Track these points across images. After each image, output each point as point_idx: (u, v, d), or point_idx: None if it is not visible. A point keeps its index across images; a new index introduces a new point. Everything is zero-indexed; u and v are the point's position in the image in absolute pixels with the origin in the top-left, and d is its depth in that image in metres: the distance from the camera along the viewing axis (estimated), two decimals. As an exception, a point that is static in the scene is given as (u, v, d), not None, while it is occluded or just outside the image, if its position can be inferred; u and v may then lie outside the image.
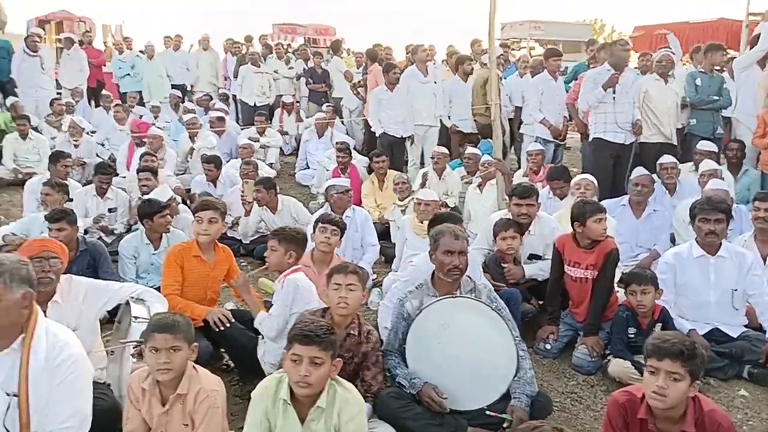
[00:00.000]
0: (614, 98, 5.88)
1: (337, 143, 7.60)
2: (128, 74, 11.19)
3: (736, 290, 3.84)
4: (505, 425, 2.84)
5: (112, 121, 9.09)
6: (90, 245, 4.32)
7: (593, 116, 6.12)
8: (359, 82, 9.78)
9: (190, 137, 8.21)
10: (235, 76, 10.92)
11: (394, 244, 5.29)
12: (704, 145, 6.04)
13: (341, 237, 4.15)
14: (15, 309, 2.27)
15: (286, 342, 2.39)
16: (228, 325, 3.39)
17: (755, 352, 3.68)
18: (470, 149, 7.00)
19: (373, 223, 5.50)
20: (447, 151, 7.11)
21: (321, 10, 44.50)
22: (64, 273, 3.09)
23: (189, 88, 11.67)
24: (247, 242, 5.81)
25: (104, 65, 12.03)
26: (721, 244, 3.87)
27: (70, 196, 5.50)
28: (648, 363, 2.33)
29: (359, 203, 6.26)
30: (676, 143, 6.46)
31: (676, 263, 3.94)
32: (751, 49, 6.85)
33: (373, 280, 4.91)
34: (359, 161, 7.59)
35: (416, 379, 2.92)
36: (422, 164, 7.63)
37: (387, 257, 5.48)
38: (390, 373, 3.05)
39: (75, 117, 8.56)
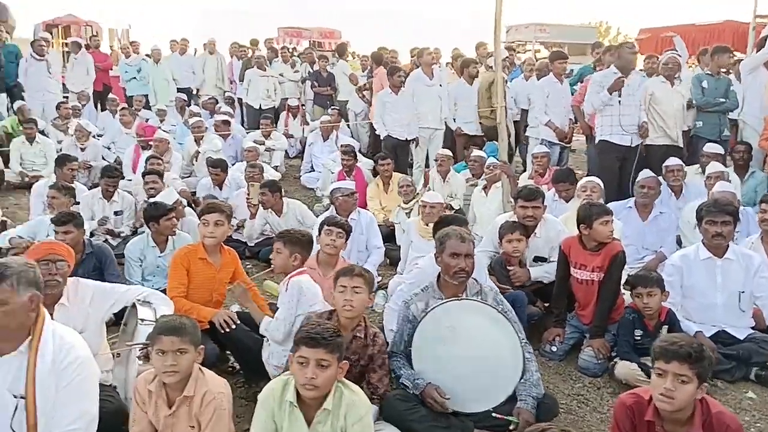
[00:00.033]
0: (620, 101, 5.87)
1: (342, 146, 7.61)
2: (134, 78, 11.23)
3: (743, 292, 3.82)
4: (511, 427, 2.84)
5: (118, 125, 9.13)
6: (96, 248, 4.34)
7: (599, 119, 6.11)
8: (365, 85, 9.79)
9: (195, 140, 8.24)
10: (241, 80, 10.97)
11: (399, 247, 5.29)
12: (711, 148, 6.02)
13: (347, 239, 4.15)
14: (22, 312, 2.28)
15: (293, 344, 2.39)
16: (234, 326, 3.39)
17: (762, 354, 3.66)
18: (476, 152, 6.99)
19: (378, 225, 5.50)
20: (451, 154, 7.12)
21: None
22: (70, 276, 3.10)
23: (195, 92, 11.72)
24: (252, 245, 5.83)
25: (111, 69, 12.08)
26: (728, 246, 3.86)
27: (77, 200, 5.53)
28: (656, 365, 2.32)
29: (364, 206, 6.27)
30: (682, 145, 6.44)
31: (682, 265, 3.93)
32: (758, 51, 6.82)
33: (378, 282, 4.91)
34: (364, 164, 7.60)
35: (419, 379, 2.92)
36: (427, 167, 7.63)
37: (392, 260, 5.48)
38: (394, 374, 3.05)
39: (81, 120, 8.60)
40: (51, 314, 2.52)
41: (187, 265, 3.61)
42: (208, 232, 3.68)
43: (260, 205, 5.71)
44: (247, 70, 10.73)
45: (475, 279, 3.21)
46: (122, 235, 5.76)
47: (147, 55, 11.32)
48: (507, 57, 9.20)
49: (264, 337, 3.35)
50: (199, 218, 3.81)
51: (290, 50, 12.82)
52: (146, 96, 10.98)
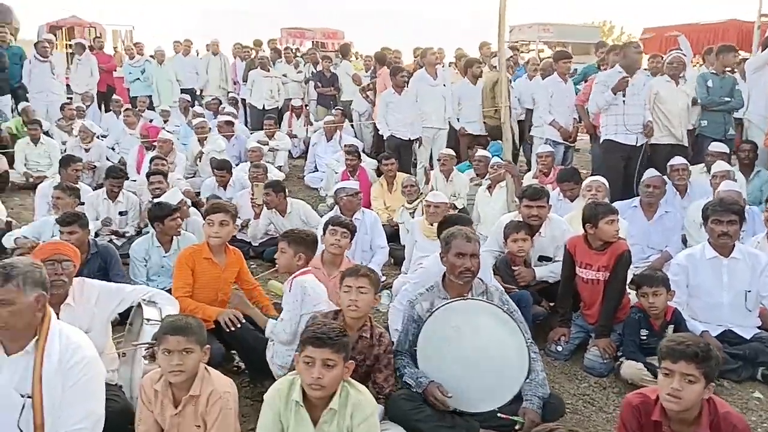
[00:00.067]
0: (624, 100, 5.86)
1: (345, 146, 7.61)
2: (138, 79, 11.26)
3: (749, 292, 3.81)
4: (516, 427, 2.83)
5: (122, 126, 9.15)
6: (101, 248, 4.35)
7: (604, 118, 6.10)
8: (368, 85, 9.80)
9: (199, 141, 8.26)
10: (244, 81, 10.98)
11: (404, 247, 5.28)
12: (716, 147, 6.00)
13: (351, 239, 4.15)
14: (29, 312, 2.29)
15: (299, 344, 2.39)
16: (239, 325, 3.39)
17: (769, 353, 3.64)
18: (480, 152, 6.99)
19: (382, 225, 5.50)
20: (453, 153, 7.12)
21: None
22: (76, 276, 3.10)
23: (198, 93, 11.74)
24: (257, 245, 5.83)
25: (114, 70, 12.13)
26: (734, 245, 3.85)
27: (81, 200, 5.54)
28: (662, 365, 2.31)
29: (368, 206, 6.26)
30: (687, 145, 6.43)
31: (688, 265, 3.92)
32: (763, 50, 6.80)
33: (382, 282, 4.91)
34: (368, 164, 7.60)
35: (422, 378, 2.91)
36: (431, 167, 7.63)
37: (396, 259, 5.48)
38: (398, 372, 3.04)
39: (86, 121, 8.62)
40: (57, 314, 2.52)
41: (192, 265, 3.62)
42: (213, 232, 3.69)
43: (264, 205, 5.71)
44: (250, 70, 10.75)
45: (480, 279, 3.20)
46: (127, 235, 5.77)
47: (151, 56, 11.34)
48: (511, 57, 9.19)
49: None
50: (204, 218, 3.81)
51: (293, 51, 12.82)
52: (150, 97, 11.00)
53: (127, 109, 9.51)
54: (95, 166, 7.76)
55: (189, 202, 5.70)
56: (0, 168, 7.50)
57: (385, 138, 7.62)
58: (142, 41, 12.81)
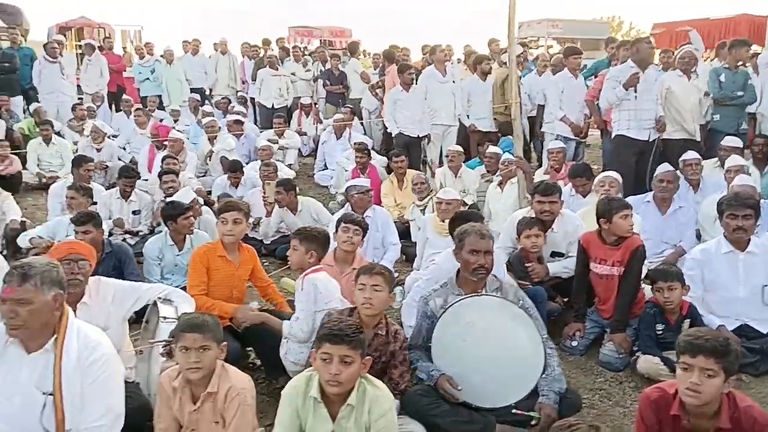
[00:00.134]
0: (636, 96, 5.83)
1: (355, 144, 7.62)
2: (148, 79, 11.32)
3: (766, 286, 3.79)
4: (533, 422, 2.83)
5: (132, 125, 9.20)
6: (115, 247, 4.39)
7: (616, 113, 6.06)
8: (377, 83, 9.79)
9: (209, 140, 8.29)
10: (253, 80, 11.00)
11: (415, 244, 5.29)
12: (730, 141, 5.95)
13: (364, 237, 4.15)
14: (47, 310, 2.32)
15: (316, 341, 2.40)
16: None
17: (787, 347, 3.62)
18: (491, 148, 6.97)
19: (393, 222, 5.50)
20: (462, 150, 7.11)
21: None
22: (91, 275, 3.13)
23: (208, 92, 11.77)
24: (268, 242, 5.85)
25: (124, 70, 12.18)
26: (749, 239, 3.82)
27: (94, 200, 5.58)
28: (681, 359, 2.30)
29: (379, 203, 6.27)
30: (699, 139, 6.38)
31: (703, 259, 3.90)
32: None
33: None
34: (378, 161, 7.60)
35: (434, 371, 2.92)
36: (441, 164, 7.62)
37: (408, 256, 5.48)
38: (411, 366, 3.05)
39: (97, 122, 8.67)
40: (74, 313, 2.54)
41: (207, 263, 3.63)
42: (227, 230, 3.70)
43: (276, 203, 5.73)
44: (259, 69, 10.76)
45: (494, 275, 3.20)
46: (140, 234, 5.81)
47: (161, 56, 11.38)
48: (521, 53, 9.15)
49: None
50: (218, 217, 3.83)
51: (302, 49, 12.83)
52: (160, 96, 11.05)
53: (137, 109, 9.56)
54: (107, 166, 7.81)
55: (201, 200, 5.72)
56: (14, 168, 7.57)
57: (393, 135, 7.62)
58: (152, 41, 12.86)
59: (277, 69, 10.57)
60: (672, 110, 6.23)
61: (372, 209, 5.24)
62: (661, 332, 3.59)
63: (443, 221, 4.74)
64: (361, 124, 9.69)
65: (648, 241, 4.56)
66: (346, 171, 7.27)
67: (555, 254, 4.28)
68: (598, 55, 10.87)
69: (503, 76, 7.51)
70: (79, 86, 11.09)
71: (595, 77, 7.60)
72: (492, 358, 2.92)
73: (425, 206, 5.86)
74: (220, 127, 8.63)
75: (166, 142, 7.71)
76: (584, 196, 5.29)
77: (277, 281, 4.62)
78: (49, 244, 4.62)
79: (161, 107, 10.80)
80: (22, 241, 5.08)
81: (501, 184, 6.02)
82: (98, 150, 7.93)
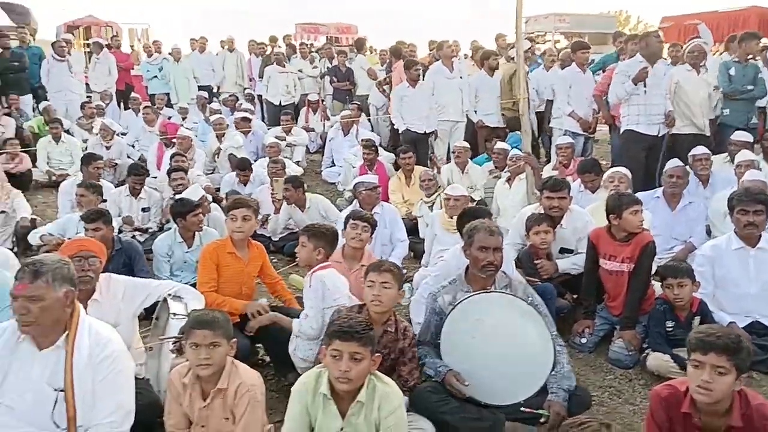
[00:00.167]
0: (646, 90, 5.79)
1: (363, 140, 7.61)
2: (156, 76, 11.35)
3: (777, 282, 3.75)
4: (542, 420, 2.82)
5: (141, 123, 9.24)
6: (125, 244, 4.41)
7: (625, 108, 6.03)
8: (385, 79, 9.78)
9: (217, 137, 8.31)
10: (260, 77, 11.01)
11: (423, 240, 5.28)
12: (740, 136, 5.91)
13: (372, 233, 4.15)
14: (58, 307, 2.34)
15: (325, 338, 2.40)
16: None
17: (798, 344, 3.59)
18: (499, 144, 6.95)
19: (401, 218, 5.49)
20: (468, 146, 7.09)
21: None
22: (101, 272, 3.14)
23: (215, 90, 11.80)
24: (277, 239, 5.86)
25: (132, 68, 12.23)
26: (760, 235, 3.79)
27: (104, 197, 5.60)
28: (692, 357, 2.28)
29: (386, 199, 6.26)
30: (709, 134, 6.34)
31: (714, 255, 3.87)
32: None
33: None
34: (385, 158, 7.60)
35: (441, 367, 2.92)
36: (448, 160, 7.60)
37: (416, 253, 5.48)
38: (420, 361, 3.05)
39: (106, 119, 8.72)
40: (85, 310, 2.55)
41: (217, 260, 3.64)
42: (236, 227, 3.71)
43: (284, 200, 5.74)
44: (266, 66, 10.77)
45: (504, 272, 3.19)
46: (150, 231, 5.84)
47: (169, 54, 11.42)
48: (529, 48, 9.10)
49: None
50: (227, 213, 3.83)
51: (308, 46, 12.83)
52: (168, 94, 11.09)
53: (146, 107, 9.61)
54: (116, 164, 7.84)
55: (210, 198, 5.74)
56: (24, 167, 7.63)
57: (400, 132, 7.61)
58: (159, 39, 12.89)
59: (284, 66, 10.57)
60: (681, 105, 6.19)
61: (380, 206, 5.25)
62: (671, 329, 3.57)
63: (451, 218, 4.73)
64: (369, 120, 9.68)
65: (657, 237, 4.54)
66: (354, 168, 7.27)
67: (564, 250, 4.26)
68: (606, 50, 10.80)
69: (511, 72, 7.48)
70: (87, 84, 11.15)
71: (603, 72, 7.55)
72: (501, 355, 2.91)
73: (433, 203, 5.85)
74: (228, 125, 8.66)
75: (174, 140, 7.74)
76: (593, 192, 5.26)
77: (286, 278, 4.62)
78: (59, 241, 4.66)
79: (169, 105, 10.84)
80: (33, 238, 5.12)
81: (509, 180, 6.00)
82: (107, 148, 7.97)
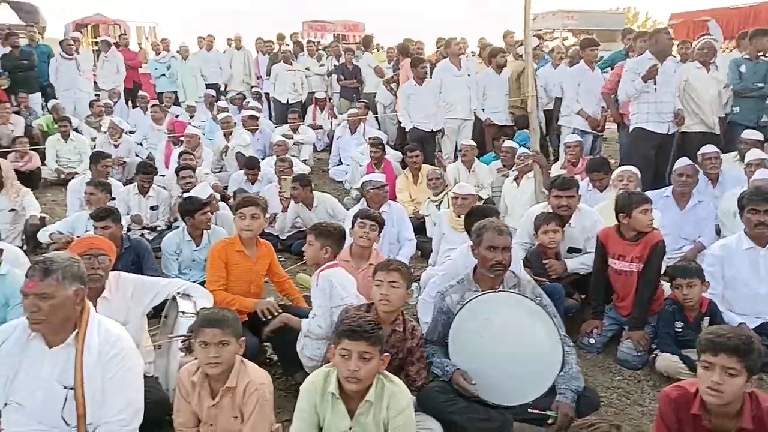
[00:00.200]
0: (656, 88, 5.75)
1: (370, 138, 7.60)
2: (164, 75, 11.38)
3: (788, 283, 3.72)
4: (549, 421, 2.81)
5: (149, 121, 9.27)
6: (134, 242, 4.42)
7: (635, 106, 5.99)
8: (392, 77, 9.77)
9: (224, 135, 8.33)
10: (268, 75, 11.02)
11: (430, 239, 5.27)
12: (749, 134, 5.86)
13: (380, 232, 4.14)
14: (68, 305, 2.35)
15: (334, 337, 2.40)
16: (277, 314, 3.43)
17: (809, 346, 3.56)
18: (507, 142, 6.93)
19: (408, 217, 5.49)
20: (474, 144, 7.08)
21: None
22: (111, 270, 3.16)
23: (222, 88, 11.82)
24: (284, 238, 5.87)
25: (140, 67, 12.26)
26: (771, 235, 3.76)
27: (113, 195, 5.63)
28: (702, 358, 2.26)
29: (394, 198, 6.25)
30: (718, 133, 6.29)
31: (724, 255, 3.85)
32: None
33: (410, 275, 4.89)
34: (392, 156, 7.59)
35: (449, 366, 2.91)
36: (456, 158, 7.59)
37: (423, 252, 5.47)
38: (427, 359, 3.04)
39: (114, 118, 8.76)
40: (94, 308, 2.56)
41: (225, 258, 3.65)
42: (245, 225, 3.72)
43: (292, 198, 5.74)
44: (273, 65, 10.78)
45: (512, 272, 3.18)
46: (158, 229, 5.86)
47: (177, 52, 11.45)
48: (537, 46, 9.07)
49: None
50: (235, 212, 3.84)
51: (315, 44, 12.83)
52: (175, 92, 11.12)
53: (154, 105, 9.63)
54: (125, 162, 7.87)
55: (218, 196, 5.76)
56: (33, 165, 7.66)
57: (407, 130, 7.60)
58: (168, 37, 12.93)
59: (291, 64, 10.58)
60: (691, 103, 6.15)
61: (387, 204, 5.23)
62: (680, 330, 3.56)
63: (459, 216, 4.72)
64: (376, 118, 9.67)
65: (667, 236, 4.50)
66: (361, 166, 7.27)
67: (572, 250, 4.24)
68: (614, 47, 10.74)
69: (519, 69, 7.45)
70: (95, 83, 11.19)
71: (612, 69, 7.51)
72: (509, 355, 2.91)
73: (440, 201, 5.84)
74: (235, 123, 8.67)
75: (182, 138, 7.76)
76: (601, 191, 5.24)
77: (293, 277, 4.63)
78: (69, 239, 4.68)
79: (177, 103, 10.86)
80: (42, 236, 5.14)
81: (517, 178, 5.98)
82: (116, 146, 8.00)
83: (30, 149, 7.71)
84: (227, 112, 9.20)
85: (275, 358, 3.63)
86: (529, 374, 2.90)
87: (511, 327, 2.94)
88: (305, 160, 8.66)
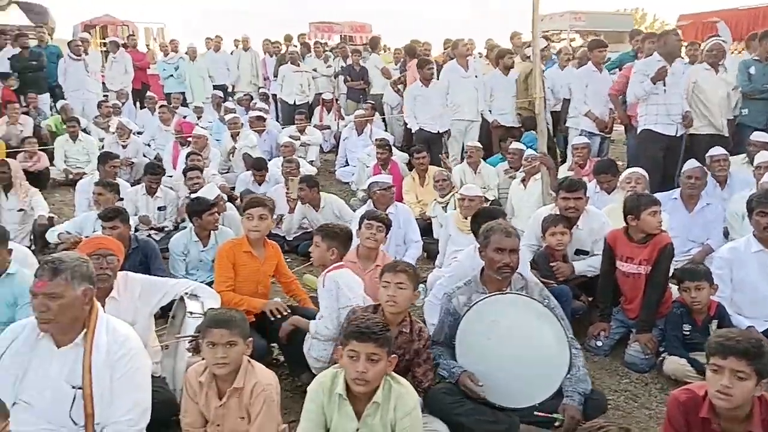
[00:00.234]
0: (665, 90, 5.73)
1: (377, 140, 7.61)
2: (172, 75, 11.44)
3: (797, 286, 3.70)
4: (556, 424, 2.80)
5: (157, 122, 9.32)
6: (142, 243, 4.44)
7: (643, 107, 5.97)
8: (399, 78, 9.77)
9: (232, 136, 8.35)
10: (275, 76, 11.05)
11: (437, 241, 5.27)
12: (758, 136, 5.82)
13: (387, 234, 4.15)
14: (77, 305, 2.36)
15: (342, 338, 2.40)
16: (285, 314, 3.44)
17: (819, 349, 3.53)
18: (514, 144, 6.92)
19: (415, 219, 5.48)
20: (480, 146, 7.07)
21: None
22: (119, 270, 3.17)
23: (230, 89, 11.87)
24: (291, 239, 5.88)
25: (148, 68, 12.32)
26: (780, 238, 3.74)
27: (121, 196, 5.65)
28: (711, 361, 2.25)
29: (400, 199, 6.25)
30: (727, 135, 6.26)
31: (732, 258, 3.82)
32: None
33: (416, 276, 4.89)
34: (399, 157, 7.59)
35: (455, 368, 2.91)
36: (463, 160, 7.58)
37: (430, 253, 5.46)
38: (434, 361, 3.04)
39: (122, 118, 8.81)
40: (102, 308, 2.58)
41: (233, 259, 3.66)
42: (253, 226, 3.72)
43: (299, 199, 5.75)
44: (280, 66, 10.81)
45: (520, 274, 3.17)
46: (165, 230, 5.88)
47: (185, 53, 11.50)
48: (545, 47, 9.04)
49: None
50: (243, 212, 3.85)
51: (322, 45, 12.86)
52: (183, 93, 11.16)
53: (162, 106, 9.68)
54: (133, 163, 7.91)
55: (225, 197, 5.77)
56: (41, 165, 7.71)
57: (413, 132, 7.59)
58: (176, 38, 12.98)
59: (298, 65, 10.61)
60: (699, 105, 6.12)
61: (394, 206, 5.23)
62: (688, 333, 3.54)
63: (465, 218, 4.72)
64: (383, 120, 9.67)
65: (675, 239, 4.47)
66: (368, 167, 7.26)
67: (579, 252, 4.23)
68: (622, 48, 10.70)
69: (527, 71, 7.44)
70: (104, 83, 11.25)
71: (620, 70, 7.48)
72: (516, 357, 2.90)
73: (447, 203, 5.83)
74: (242, 124, 8.70)
75: (189, 139, 7.79)
76: (609, 193, 5.21)
77: (300, 278, 4.63)
78: (77, 239, 4.70)
79: (185, 104, 10.91)
80: (51, 236, 5.16)
81: (524, 180, 5.96)
82: (124, 147, 8.04)
83: (39, 150, 7.76)
84: (234, 113, 9.22)
85: (282, 359, 3.63)
86: (537, 376, 2.90)
87: (518, 329, 2.93)
88: (312, 161, 8.67)
